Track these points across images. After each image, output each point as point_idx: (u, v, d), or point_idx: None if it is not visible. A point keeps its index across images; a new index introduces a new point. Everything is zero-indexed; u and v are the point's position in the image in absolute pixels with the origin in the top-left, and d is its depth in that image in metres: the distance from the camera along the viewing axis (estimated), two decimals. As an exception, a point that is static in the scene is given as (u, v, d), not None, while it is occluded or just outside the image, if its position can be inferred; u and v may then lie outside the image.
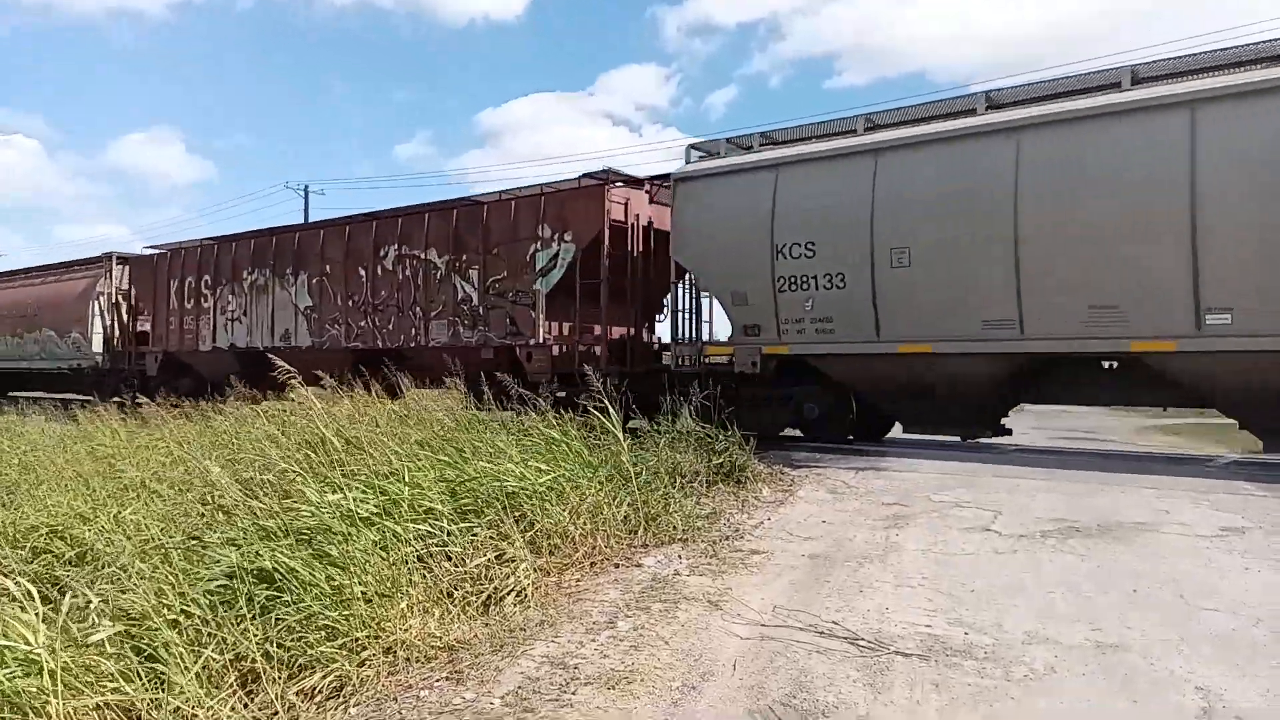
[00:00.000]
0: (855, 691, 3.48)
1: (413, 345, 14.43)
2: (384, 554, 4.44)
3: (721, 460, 8.10)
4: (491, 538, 5.03)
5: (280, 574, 4.04)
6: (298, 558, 4.13)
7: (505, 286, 13.24)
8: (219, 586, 3.96)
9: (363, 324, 15.24)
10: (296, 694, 3.45)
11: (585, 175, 13.19)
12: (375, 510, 4.84)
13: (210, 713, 3.11)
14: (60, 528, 5.72)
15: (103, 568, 4.59)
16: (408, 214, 15.00)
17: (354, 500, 4.72)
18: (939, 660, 3.78)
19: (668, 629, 4.23)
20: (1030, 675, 3.61)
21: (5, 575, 3.76)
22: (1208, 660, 3.71)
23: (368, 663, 3.70)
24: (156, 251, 20.23)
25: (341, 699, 3.48)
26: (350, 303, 15.48)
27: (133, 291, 21.24)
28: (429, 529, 4.89)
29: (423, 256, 14.38)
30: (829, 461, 9.25)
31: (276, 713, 3.28)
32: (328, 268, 15.80)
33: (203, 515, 5.44)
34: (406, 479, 5.41)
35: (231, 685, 3.38)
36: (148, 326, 20.57)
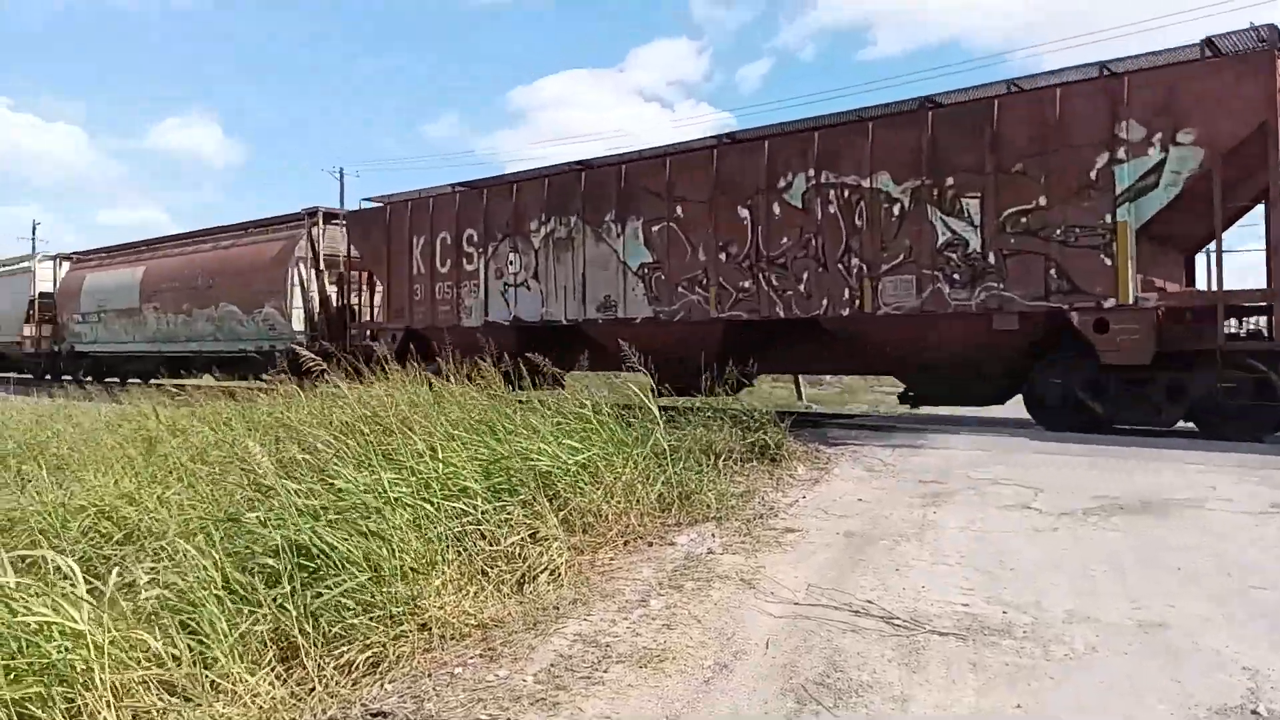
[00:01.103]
0: (890, 671, 3.45)
1: (843, 314, 10.69)
2: (419, 531, 4.48)
3: (756, 438, 8.07)
4: (525, 517, 5.05)
5: (319, 550, 4.10)
6: (336, 534, 4.18)
7: (1041, 221, 9.26)
8: (260, 564, 4.03)
9: (746, 285, 11.53)
10: (334, 668, 3.50)
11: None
12: (409, 490, 4.88)
13: (249, 686, 3.17)
14: (108, 508, 5.86)
15: (148, 546, 4.70)
16: (832, 126, 11.12)
17: (388, 481, 4.76)
18: (976, 639, 3.73)
19: (700, 607, 4.22)
20: (1070, 654, 3.55)
21: (56, 553, 3.86)
22: (1255, 639, 3.62)
23: (403, 639, 3.74)
24: (385, 203, 16.38)
25: (377, 675, 3.53)
26: (724, 256, 11.75)
27: (343, 255, 17.51)
28: (463, 507, 4.92)
29: (864, 185, 10.50)
30: (865, 439, 9.17)
31: (314, 687, 3.33)
32: (679, 209, 12.20)
33: (245, 495, 5.53)
34: (440, 458, 5.45)
35: (270, 660, 3.44)
36: (356, 299, 17.62)
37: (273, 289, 18.06)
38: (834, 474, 7.49)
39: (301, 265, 17.68)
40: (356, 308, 17.81)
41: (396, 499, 4.70)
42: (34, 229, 57.16)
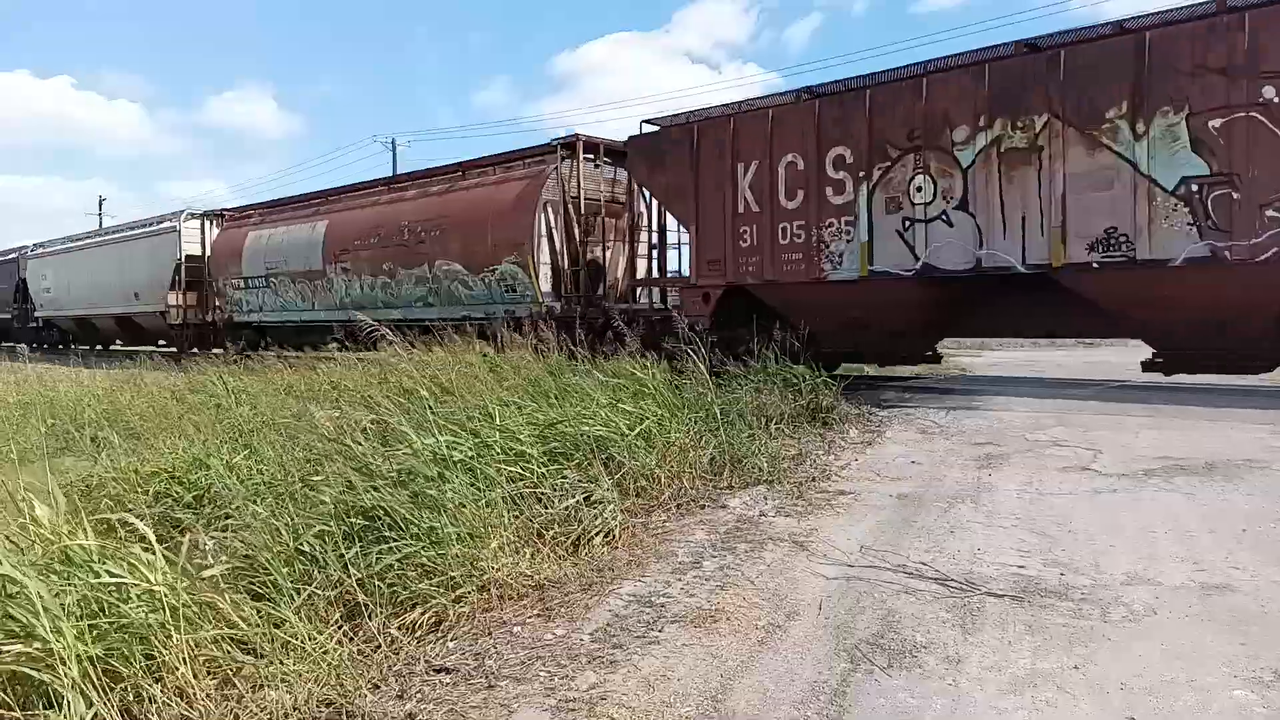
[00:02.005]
0: (945, 632, 3.45)
1: None
2: (478, 493, 4.58)
3: (808, 401, 8.04)
4: (580, 480, 5.12)
5: (383, 512, 4.21)
6: (398, 499, 4.29)
7: None
8: (327, 527, 4.15)
9: None
10: (398, 628, 3.61)
11: None
12: (469, 454, 4.98)
13: (318, 645, 3.29)
14: (178, 473, 6.08)
15: (219, 510, 4.88)
16: None
17: (446, 445, 4.86)
18: (1032, 601, 3.71)
19: (753, 569, 4.26)
20: (1129, 617, 3.51)
21: (133, 517, 4.02)
22: (1323, 603, 3.54)
23: (463, 600, 3.84)
24: (694, 122, 12.80)
25: (440, 633, 3.63)
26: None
27: (604, 197, 14.44)
28: (520, 471, 5.01)
29: None
30: (919, 401, 9.08)
31: (379, 645, 3.44)
32: (1272, 92, 8.19)
33: (310, 460, 5.69)
34: (499, 423, 5.54)
35: (337, 620, 3.56)
36: (604, 253, 14.63)
37: (514, 241, 14.25)
38: (887, 437, 7.44)
39: (550, 210, 14.10)
40: (603, 264, 14.77)
41: (457, 462, 4.80)
42: (100, 203, 58.61)
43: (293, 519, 4.13)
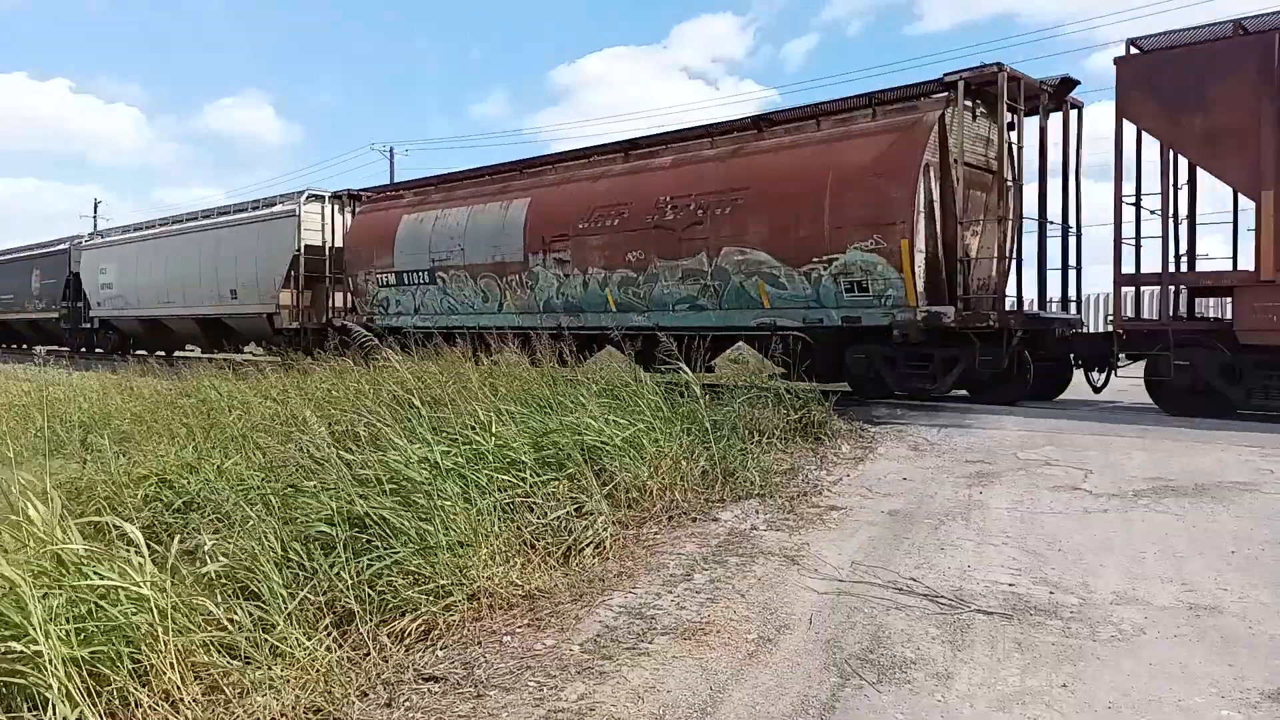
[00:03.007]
0: (934, 648, 3.46)
1: None
2: (468, 504, 4.57)
3: (800, 416, 8.06)
4: (571, 491, 5.12)
5: (373, 520, 4.21)
6: (388, 506, 4.28)
7: None
8: (316, 533, 4.15)
9: None
10: (387, 636, 3.60)
11: None
12: (460, 462, 4.98)
13: (307, 651, 3.28)
14: (169, 476, 6.05)
15: (208, 514, 4.86)
16: None
17: (439, 453, 4.86)
18: (1022, 619, 3.72)
19: (744, 582, 4.26)
20: (1118, 636, 3.53)
21: (122, 520, 4.00)
22: (1311, 625, 3.56)
23: (453, 608, 3.83)
24: (1261, 30, 8.64)
25: (429, 642, 3.62)
26: None
27: (978, 154, 10.81)
28: (511, 479, 5.01)
29: None
30: (911, 419, 9.10)
31: (368, 653, 3.43)
32: None
33: (300, 466, 5.68)
34: (492, 431, 5.54)
35: (326, 626, 3.55)
36: (969, 238, 10.59)
37: (875, 219, 10.29)
38: (878, 453, 7.46)
39: (930, 176, 10.25)
40: (971, 254, 10.75)
41: (448, 470, 4.79)
42: (95, 207, 58.34)
43: (280, 526, 4.12)
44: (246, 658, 3.25)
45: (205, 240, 21.57)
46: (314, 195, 18.94)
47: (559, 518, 4.79)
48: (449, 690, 3.17)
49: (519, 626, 3.78)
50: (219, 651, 3.24)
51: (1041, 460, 6.81)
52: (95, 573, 3.28)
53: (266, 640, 3.30)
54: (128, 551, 3.48)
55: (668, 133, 13.81)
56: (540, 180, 15.04)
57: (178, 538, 3.91)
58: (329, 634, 3.48)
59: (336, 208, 19.00)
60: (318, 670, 3.20)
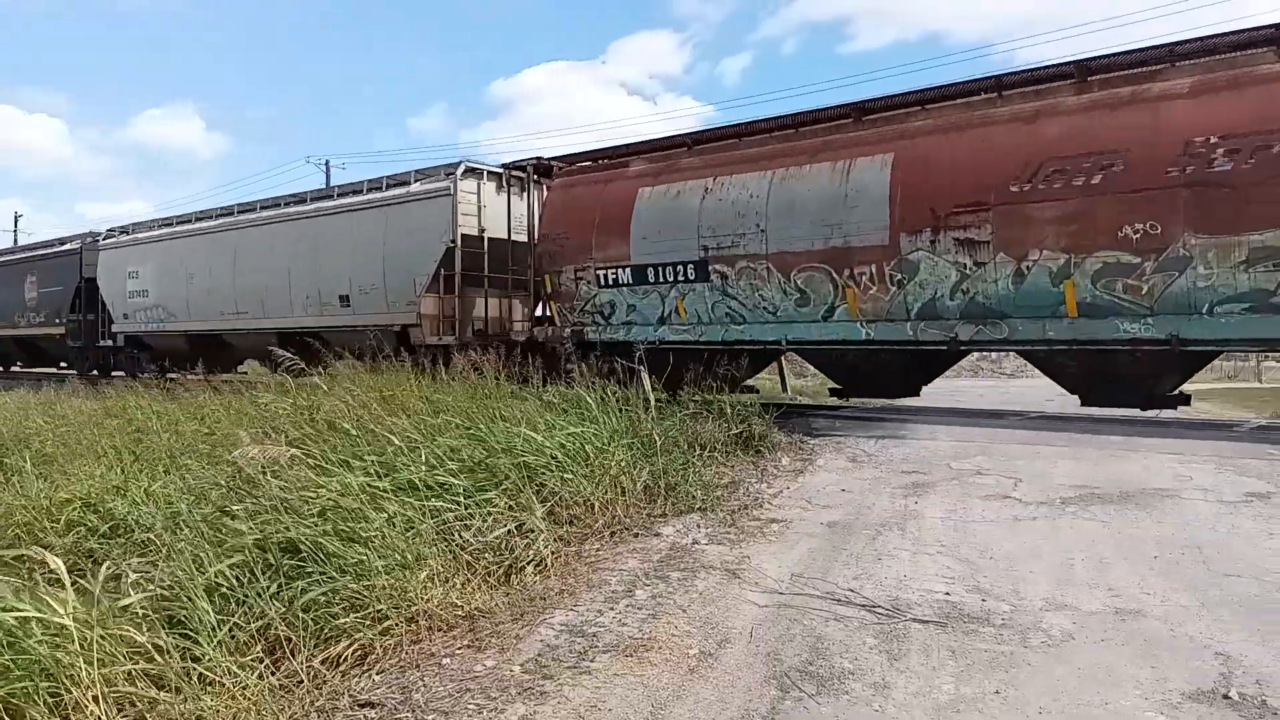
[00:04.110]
0: (872, 658, 3.51)
1: None
2: (404, 528, 4.50)
3: (741, 430, 8.12)
4: (510, 508, 5.08)
5: (305, 546, 4.12)
6: (321, 531, 4.20)
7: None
8: (246, 558, 4.04)
9: None
10: (322, 662, 3.53)
11: None
12: (391, 488, 4.91)
13: (237, 680, 3.19)
14: (93, 500, 5.85)
15: (134, 539, 4.71)
16: None
17: (368, 481, 4.78)
18: (956, 627, 3.80)
19: (686, 597, 4.27)
20: (1048, 642, 3.62)
21: (42, 548, 3.86)
22: (1228, 626, 3.70)
23: (390, 632, 3.77)
24: None
25: (365, 666, 3.55)
26: None
27: None
28: (445, 505, 4.94)
29: None
30: (849, 430, 9.24)
31: (302, 680, 3.35)
32: None
33: (230, 490, 5.54)
34: (423, 457, 5.47)
35: (258, 653, 3.46)
36: None
37: None
38: (818, 465, 7.55)
39: None
40: None
41: (380, 494, 4.72)
42: (15, 220, 56.23)
43: (208, 553, 4.01)
44: (175, 688, 3.15)
45: (298, 233, 16.35)
46: (472, 168, 13.96)
47: (498, 537, 4.74)
48: (386, 716, 3.12)
49: (459, 648, 3.73)
50: (146, 682, 3.14)
51: (974, 470, 6.97)
52: (11, 606, 3.15)
53: (196, 669, 3.21)
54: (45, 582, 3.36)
55: (1170, 44, 9.08)
56: (905, 128, 10.42)
57: (105, 566, 3.78)
58: (261, 662, 3.40)
59: (496, 187, 14.14)
60: (249, 699, 3.12)
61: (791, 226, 10.65)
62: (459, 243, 13.46)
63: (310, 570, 3.96)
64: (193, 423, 8.64)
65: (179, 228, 19.46)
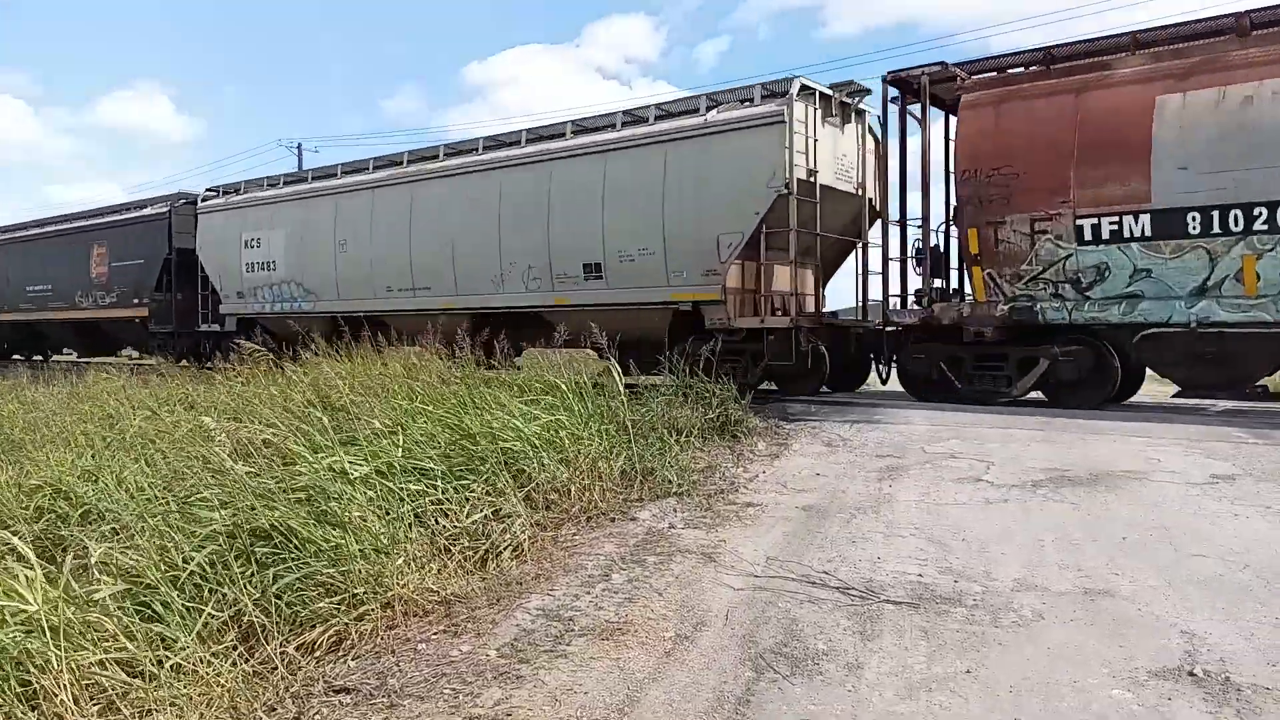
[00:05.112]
0: (845, 639, 3.54)
1: None
2: (380, 512, 4.48)
3: (717, 415, 8.14)
4: (487, 493, 5.07)
5: (279, 532, 4.09)
6: (295, 516, 4.17)
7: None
8: (218, 545, 4.01)
9: None
10: (296, 648, 3.51)
11: None
12: (369, 472, 4.88)
13: (210, 668, 3.17)
14: (64, 487, 5.77)
15: (105, 526, 4.65)
16: None
17: (347, 463, 4.75)
18: (928, 608, 3.84)
19: (662, 581, 4.29)
20: (1018, 622, 3.67)
21: (11, 534, 3.81)
22: (1194, 605, 3.77)
23: (366, 617, 3.76)
24: None
25: (341, 653, 3.54)
26: None
27: None
28: (423, 489, 4.92)
29: None
30: (824, 415, 9.29)
31: (276, 667, 3.34)
32: None
33: (201, 476, 5.49)
34: (401, 440, 5.44)
35: (231, 641, 3.44)
36: None
37: None
38: (793, 449, 7.59)
39: None
40: None
41: (356, 479, 4.69)
42: (-20, 203, 54.76)
43: (179, 538, 3.97)
44: (147, 675, 3.13)
45: (513, 183, 12.63)
46: (807, 87, 10.64)
47: (475, 522, 4.74)
48: (361, 701, 3.11)
49: (435, 633, 3.73)
50: (117, 669, 3.12)
51: (947, 454, 7.04)
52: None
53: (168, 657, 3.18)
54: (17, 568, 3.32)
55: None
56: None
57: (71, 553, 3.74)
58: (234, 649, 3.38)
59: (821, 116, 10.82)
60: (222, 686, 3.10)
61: None
62: (794, 189, 10.23)
63: (284, 556, 3.94)
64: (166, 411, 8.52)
65: (324, 182, 15.51)
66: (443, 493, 4.94)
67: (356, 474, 4.68)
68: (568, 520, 5.33)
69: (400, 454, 5.20)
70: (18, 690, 2.91)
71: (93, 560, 3.57)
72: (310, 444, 5.17)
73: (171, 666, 3.14)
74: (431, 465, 5.19)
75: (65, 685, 2.91)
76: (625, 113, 12.26)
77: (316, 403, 6.77)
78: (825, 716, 2.93)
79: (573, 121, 12.79)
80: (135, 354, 20.27)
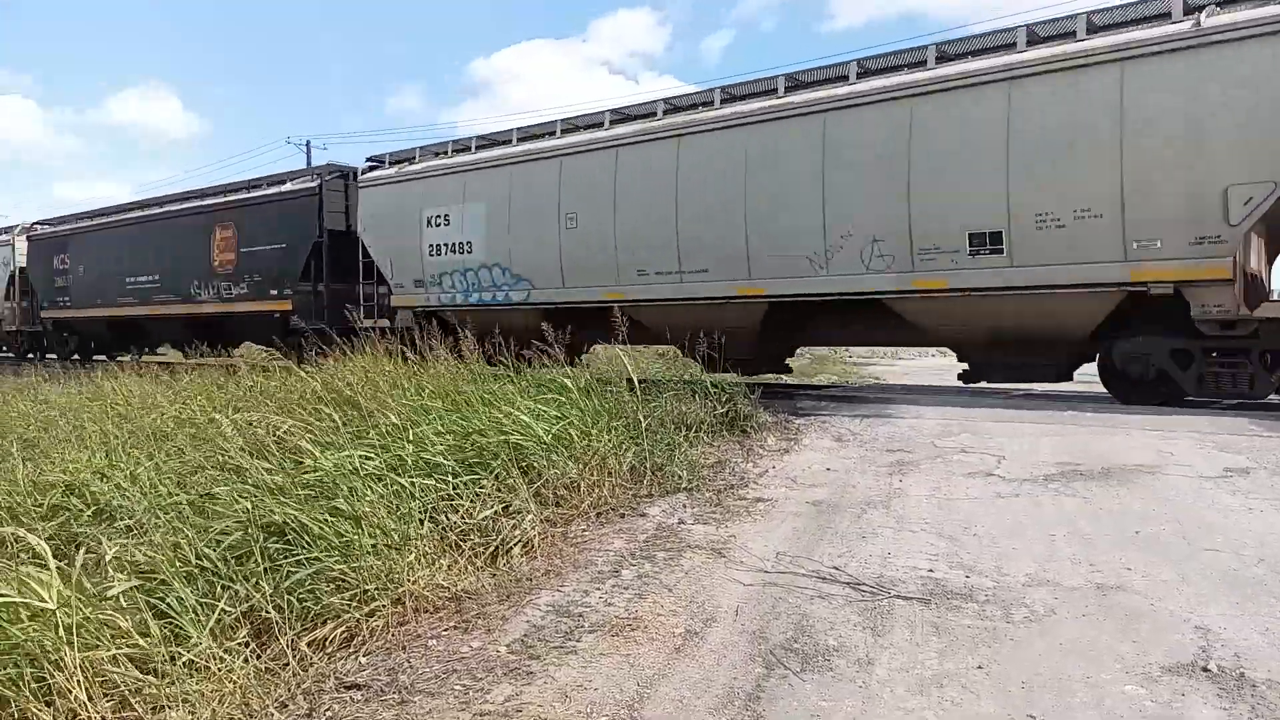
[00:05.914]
0: (856, 635, 3.53)
1: None
2: (391, 508, 4.50)
3: (727, 409, 8.13)
4: (498, 490, 5.08)
5: (291, 528, 4.11)
6: (307, 512, 4.19)
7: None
8: (231, 542, 4.03)
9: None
10: (308, 645, 3.52)
11: None
12: (380, 467, 4.89)
13: (223, 664, 3.18)
14: (78, 484, 5.80)
15: (119, 524, 4.67)
16: None
17: (359, 458, 4.77)
18: (940, 603, 3.83)
19: (672, 577, 4.29)
20: (1030, 617, 3.65)
21: (27, 531, 3.83)
22: (1207, 600, 3.74)
23: (377, 613, 3.77)
24: None
25: (352, 649, 3.55)
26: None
27: None
28: (434, 484, 4.94)
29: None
30: (834, 410, 9.27)
31: (288, 663, 3.35)
32: None
33: (215, 473, 5.50)
34: (411, 436, 5.46)
35: (244, 637, 3.45)
36: None
37: None
38: (803, 444, 7.58)
39: None
40: None
41: (368, 475, 4.71)
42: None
43: (192, 536, 3.99)
44: (160, 672, 3.14)
45: (842, 130, 9.87)
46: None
47: (486, 518, 4.74)
48: (372, 697, 3.12)
49: (445, 629, 3.73)
50: (130, 665, 3.13)
51: (958, 448, 7.01)
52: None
53: (181, 653, 3.20)
54: (30, 565, 3.34)
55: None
56: None
57: (84, 549, 3.76)
58: (247, 645, 3.39)
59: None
60: (234, 682, 3.12)
61: None
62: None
63: (297, 552, 3.95)
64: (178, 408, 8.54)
65: (540, 143, 12.61)
66: (454, 488, 4.94)
67: (369, 469, 4.69)
68: (577, 516, 5.33)
69: (411, 449, 5.22)
70: (33, 686, 2.93)
71: (107, 557, 3.59)
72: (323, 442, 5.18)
73: (184, 663, 3.15)
74: (444, 460, 5.19)
75: (80, 682, 2.93)
76: (1028, 28, 8.98)
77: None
78: (836, 713, 2.92)
79: (935, 45, 9.62)
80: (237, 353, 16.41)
